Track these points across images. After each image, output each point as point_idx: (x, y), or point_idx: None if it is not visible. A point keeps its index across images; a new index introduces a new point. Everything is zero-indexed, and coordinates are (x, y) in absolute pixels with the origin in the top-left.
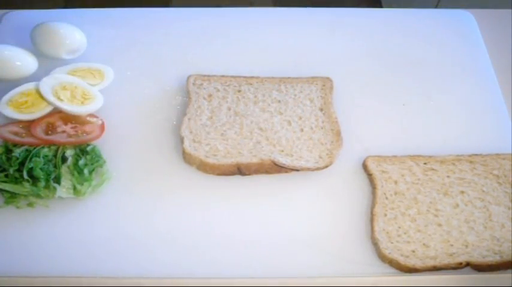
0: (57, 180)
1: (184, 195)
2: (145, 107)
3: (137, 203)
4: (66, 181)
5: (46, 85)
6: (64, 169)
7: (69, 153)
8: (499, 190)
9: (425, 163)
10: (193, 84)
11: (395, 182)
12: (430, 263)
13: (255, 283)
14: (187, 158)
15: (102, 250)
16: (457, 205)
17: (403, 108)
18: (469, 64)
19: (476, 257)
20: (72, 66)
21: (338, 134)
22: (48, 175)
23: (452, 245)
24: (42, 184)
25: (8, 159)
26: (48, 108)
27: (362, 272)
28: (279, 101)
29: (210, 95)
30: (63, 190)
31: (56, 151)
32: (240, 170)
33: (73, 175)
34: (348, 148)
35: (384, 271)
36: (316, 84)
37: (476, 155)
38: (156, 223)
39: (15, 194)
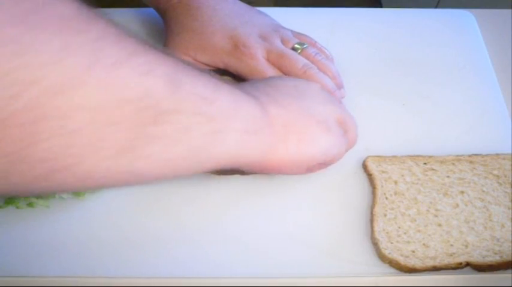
0: None
1: (183, 194)
2: None
3: (137, 203)
4: None
5: None
6: None
7: None
8: (499, 190)
9: (425, 163)
10: None
11: (395, 182)
12: (430, 263)
13: (255, 283)
14: None
15: (102, 249)
16: (457, 205)
17: (403, 108)
18: (469, 64)
19: (476, 257)
20: None
21: None
22: None
23: (452, 245)
24: None
25: None
26: None
27: (362, 272)
28: None
29: None
30: None
31: None
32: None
33: None
34: None
35: (383, 271)
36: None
37: (476, 155)
38: (155, 222)
39: None
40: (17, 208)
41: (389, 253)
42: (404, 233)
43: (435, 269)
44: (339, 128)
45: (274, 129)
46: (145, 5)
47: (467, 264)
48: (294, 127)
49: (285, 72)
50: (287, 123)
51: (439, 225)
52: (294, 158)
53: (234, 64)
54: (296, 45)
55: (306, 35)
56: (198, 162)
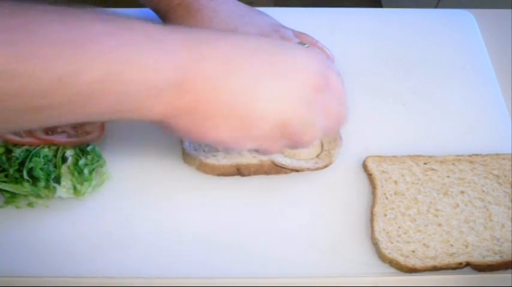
0: (57, 180)
1: (183, 195)
2: None
3: (137, 203)
4: (66, 181)
5: None
6: (64, 169)
7: (69, 153)
8: (499, 190)
9: (425, 163)
10: None
11: (395, 182)
12: (430, 263)
13: (254, 283)
14: (186, 159)
15: (102, 249)
16: (457, 205)
17: (403, 108)
18: (469, 64)
19: (476, 257)
20: None
21: (337, 133)
22: (48, 175)
23: (452, 245)
24: (42, 184)
25: (8, 159)
26: None
27: (362, 272)
28: None
29: None
30: (63, 190)
31: (56, 151)
32: (239, 170)
33: (73, 175)
34: (347, 148)
35: (383, 271)
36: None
37: (476, 155)
38: (155, 223)
39: (15, 194)
40: (17, 207)
41: (389, 253)
42: (405, 233)
43: (435, 269)
44: (269, 133)
45: (176, 102)
46: (143, 6)
47: (467, 264)
48: (203, 106)
49: None
50: (200, 101)
51: (439, 225)
52: (182, 133)
53: None
54: None
55: (306, 35)
56: (72, 116)
